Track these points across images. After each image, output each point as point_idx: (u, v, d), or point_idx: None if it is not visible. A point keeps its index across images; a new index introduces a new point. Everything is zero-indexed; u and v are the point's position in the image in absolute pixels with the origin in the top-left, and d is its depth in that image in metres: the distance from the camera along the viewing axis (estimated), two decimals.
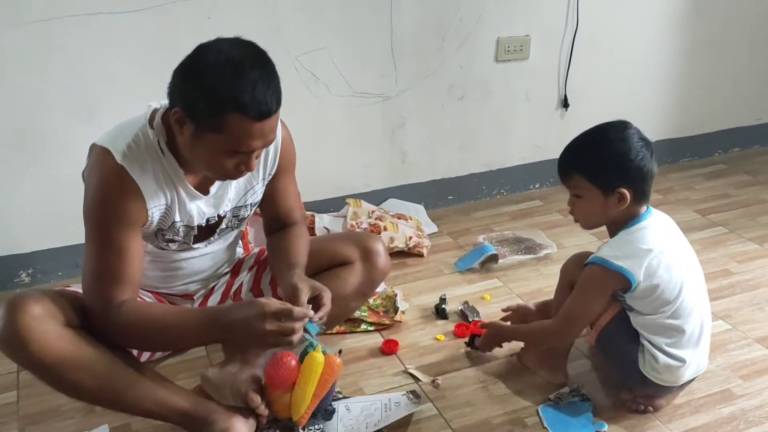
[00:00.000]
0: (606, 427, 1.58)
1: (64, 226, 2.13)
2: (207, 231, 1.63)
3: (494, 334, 1.79)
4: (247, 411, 1.54)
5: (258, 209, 1.73)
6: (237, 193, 1.62)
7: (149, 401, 1.46)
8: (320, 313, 1.47)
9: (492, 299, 2.13)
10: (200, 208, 1.56)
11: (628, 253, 1.52)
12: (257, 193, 1.66)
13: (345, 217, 2.46)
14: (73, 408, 1.69)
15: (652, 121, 3.04)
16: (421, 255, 2.41)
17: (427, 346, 1.92)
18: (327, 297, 1.51)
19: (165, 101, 1.44)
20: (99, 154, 1.43)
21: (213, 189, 1.56)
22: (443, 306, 2.05)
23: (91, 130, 2.11)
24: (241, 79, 1.30)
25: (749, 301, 2.09)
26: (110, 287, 1.43)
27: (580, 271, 1.61)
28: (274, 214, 1.73)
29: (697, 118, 3.14)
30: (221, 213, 1.61)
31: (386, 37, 2.44)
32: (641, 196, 1.55)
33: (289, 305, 1.39)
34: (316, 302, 1.49)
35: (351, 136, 2.55)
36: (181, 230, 1.56)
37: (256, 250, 1.92)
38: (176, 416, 1.49)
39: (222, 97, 1.30)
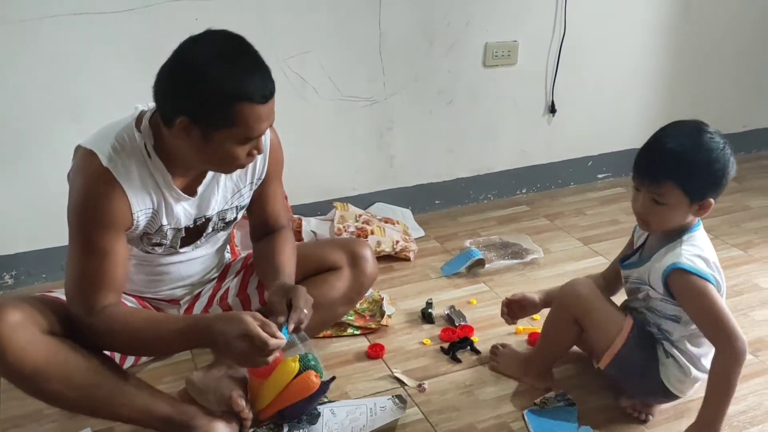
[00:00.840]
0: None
1: (49, 227, 2.11)
2: (194, 234, 1.62)
3: None
4: (231, 415, 1.54)
5: (245, 213, 1.72)
6: (224, 197, 1.61)
7: (131, 409, 1.45)
8: (290, 326, 1.45)
9: (478, 304, 2.13)
10: (186, 210, 1.55)
11: (705, 259, 1.48)
12: (244, 197, 1.66)
13: (332, 220, 2.46)
14: (55, 411, 1.66)
15: (638, 127, 3.06)
16: (407, 259, 2.40)
17: (414, 351, 1.91)
18: (301, 305, 1.48)
19: (152, 103, 1.43)
20: (84, 156, 1.42)
21: (200, 190, 1.55)
22: (430, 310, 2.05)
23: (76, 131, 2.10)
24: (238, 69, 1.32)
25: (734, 307, 2.10)
26: (93, 291, 1.42)
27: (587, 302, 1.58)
28: (261, 218, 1.73)
29: None
30: (207, 215, 1.60)
31: (374, 42, 2.44)
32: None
33: (265, 336, 1.35)
34: (291, 311, 1.48)
35: (339, 139, 2.55)
36: (168, 233, 1.55)
37: (243, 254, 1.92)
38: (158, 422, 1.48)
39: (227, 92, 1.31)
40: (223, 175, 1.58)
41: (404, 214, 2.68)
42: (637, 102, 3.01)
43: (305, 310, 1.47)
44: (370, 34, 2.43)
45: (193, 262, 1.71)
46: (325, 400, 1.69)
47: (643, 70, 2.96)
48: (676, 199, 1.45)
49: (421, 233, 2.61)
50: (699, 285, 1.45)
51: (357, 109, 2.52)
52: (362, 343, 1.94)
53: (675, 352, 1.55)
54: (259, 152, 1.46)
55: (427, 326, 2.02)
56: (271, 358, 1.39)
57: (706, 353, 1.55)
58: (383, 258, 2.35)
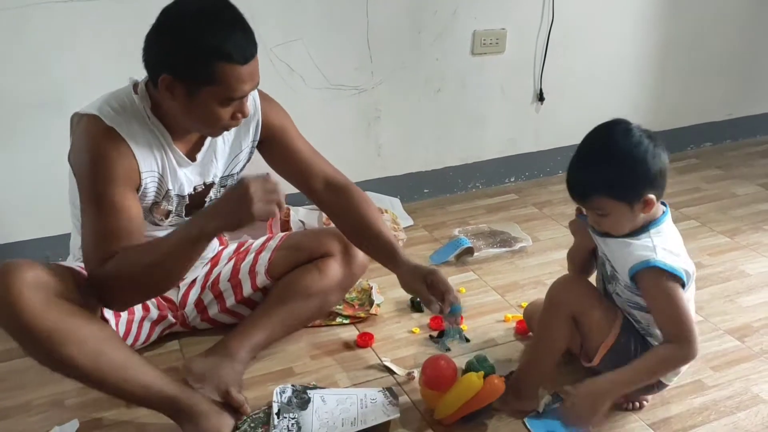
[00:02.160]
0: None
1: (33, 218, 2.09)
2: (197, 201, 1.64)
3: (590, 403, 1.45)
4: (224, 405, 1.53)
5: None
6: (223, 162, 1.64)
7: (137, 384, 1.42)
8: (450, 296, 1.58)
9: (467, 292, 2.13)
10: (188, 176, 1.58)
11: (675, 253, 1.47)
12: (240, 163, 1.69)
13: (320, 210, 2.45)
14: (44, 403, 1.67)
15: (625, 115, 3.02)
16: None
17: (403, 339, 1.91)
18: (450, 286, 1.61)
19: (144, 75, 1.45)
20: (87, 121, 1.43)
21: (199, 156, 1.58)
22: (419, 299, 2.04)
23: (60, 121, 2.09)
24: (218, 28, 1.34)
25: (720, 293, 2.12)
26: (109, 246, 1.40)
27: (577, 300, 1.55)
28: (306, 181, 1.73)
29: (671, 113, 3.17)
30: (208, 181, 1.62)
31: (362, 30, 2.43)
32: (662, 193, 1.49)
33: (270, 179, 1.34)
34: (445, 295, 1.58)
35: (326, 128, 2.53)
36: (174, 199, 1.57)
37: (234, 244, 1.94)
38: (162, 402, 1.45)
39: (206, 50, 1.33)
40: (219, 141, 1.61)
41: (393, 203, 2.67)
42: (625, 90, 3.02)
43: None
44: (358, 22, 2.42)
45: None
46: (315, 385, 1.69)
47: (631, 58, 2.97)
48: (614, 208, 1.45)
49: (410, 222, 2.61)
50: (668, 285, 1.44)
51: (345, 97, 2.51)
52: (351, 332, 1.94)
53: (656, 342, 1.54)
54: (244, 115, 1.46)
55: (416, 315, 2.03)
56: (281, 204, 1.34)
57: None
58: None
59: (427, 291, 1.60)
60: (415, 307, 2.04)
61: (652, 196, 1.45)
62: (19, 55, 2.02)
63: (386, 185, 2.71)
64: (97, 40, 2.09)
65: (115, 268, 1.38)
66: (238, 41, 1.35)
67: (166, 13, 1.38)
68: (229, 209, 1.34)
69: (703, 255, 2.34)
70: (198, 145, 1.58)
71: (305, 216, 2.44)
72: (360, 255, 1.83)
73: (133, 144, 1.44)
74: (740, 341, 1.88)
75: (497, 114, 2.80)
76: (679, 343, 1.44)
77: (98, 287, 1.41)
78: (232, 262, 1.87)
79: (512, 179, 2.95)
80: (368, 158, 2.66)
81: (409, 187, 2.77)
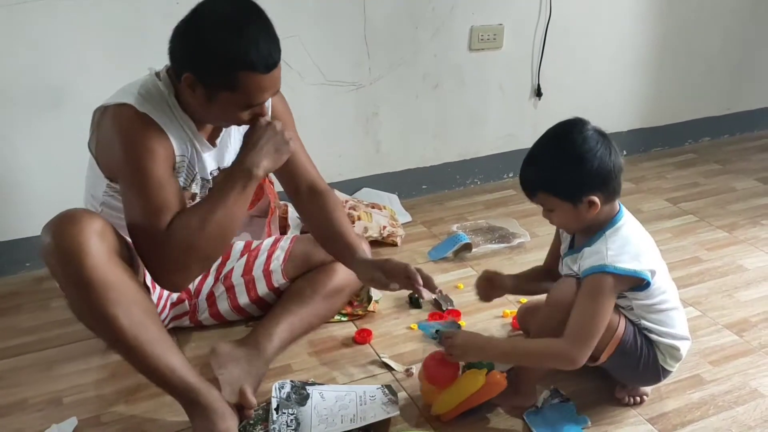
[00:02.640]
0: (588, 421, 1.58)
1: (30, 215, 2.09)
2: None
3: (464, 347, 1.52)
4: (233, 405, 1.52)
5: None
6: (235, 149, 1.65)
7: (164, 363, 1.41)
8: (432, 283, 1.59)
9: (466, 288, 2.13)
10: (209, 161, 1.61)
11: (634, 254, 1.46)
12: None
13: None
14: (41, 401, 1.66)
15: (624, 110, 3.07)
16: (395, 244, 2.40)
17: (401, 336, 1.91)
18: (413, 268, 1.61)
19: (166, 63, 1.47)
20: (117, 110, 1.44)
21: (218, 141, 1.62)
22: (416, 295, 2.04)
23: (57, 117, 2.09)
24: (243, 37, 1.34)
25: (719, 288, 2.12)
26: (159, 216, 1.41)
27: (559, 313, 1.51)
28: (292, 182, 1.76)
29: (669, 108, 3.17)
30: (222, 166, 1.65)
31: (359, 26, 2.42)
32: (612, 195, 1.48)
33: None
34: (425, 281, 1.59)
35: (324, 125, 2.53)
36: (199, 182, 1.61)
37: (241, 243, 1.96)
38: (181, 389, 1.44)
39: (229, 58, 1.34)
40: (234, 128, 1.63)
41: (391, 200, 2.67)
42: (623, 85, 3.01)
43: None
44: (355, 18, 2.41)
45: None
46: (314, 381, 1.69)
47: (629, 53, 2.96)
48: (558, 205, 1.48)
49: (408, 218, 2.60)
50: (600, 290, 1.45)
51: (342, 93, 2.51)
52: (350, 329, 1.93)
53: (659, 336, 1.54)
54: (262, 116, 1.49)
55: (414, 311, 2.02)
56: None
57: (679, 324, 1.56)
58: (370, 243, 2.33)
59: (383, 276, 1.59)
60: (413, 303, 2.04)
61: (595, 199, 1.45)
62: (14, 52, 2.01)
63: (384, 181, 2.71)
64: (94, 37, 2.08)
65: (170, 236, 1.40)
66: (262, 50, 1.35)
67: (196, 11, 1.38)
68: (272, 148, 1.47)
69: (701, 250, 2.34)
70: (216, 131, 1.61)
71: None
72: (367, 248, 1.85)
73: (166, 128, 1.46)
74: (738, 336, 1.88)
75: (495, 110, 2.80)
76: (571, 344, 1.44)
77: (155, 262, 1.44)
78: (244, 258, 1.90)
79: (510, 175, 2.95)
80: (366, 154, 2.66)
81: (407, 183, 2.76)
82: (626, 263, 1.45)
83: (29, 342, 1.89)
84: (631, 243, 1.49)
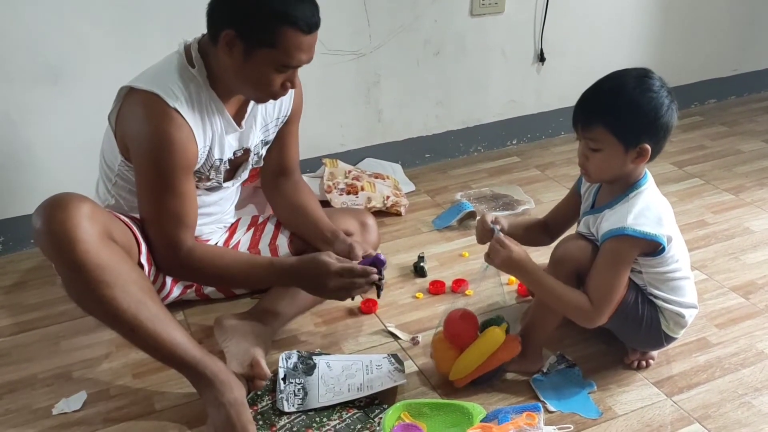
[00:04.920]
0: (595, 386, 1.58)
1: (33, 192, 2.08)
2: (234, 166, 1.71)
3: (509, 252, 1.50)
4: (241, 376, 1.52)
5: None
6: (261, 130, 1.70)
7: (167, 340, 1.42)
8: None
9: (471, 256, 2.13)
10: (230, 142, 1.63)
11: (654, 218, 1.46)
12: (270, 133, 1.76)
13: (321, 177, 2.44)
14: (50, 376, 1.67)
15: None
16: (399, 214, 2.39)
17: (406, 305, 1.91)
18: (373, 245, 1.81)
19: (189, 39, 1.51)
20: (148, 99, 1.45)
21: (244, 123, 1.64)
22: (422, 264, 2.04)
23: (55, 93, 2.08)
24: None
25: (725, 251, 2.11)
26: (176, 230, 1.53)
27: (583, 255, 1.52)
28: (276, 161, 1.83)
29: (674, 70, 3.11)
30: (246, 146, 1.68)
31: None
32: (656, 154, 1.46)
33: (350, 263, 1.58)
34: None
35: (325, 95, 2.51)
36: (216, 164, 1.63)
37: (248, 217, 1.98)
38: (186, 363, 1.45)
39: (275, 11, 1.38)
40: (259, 109, 1.66)
41: (394, 169, 2.65)
42: (627, 49, 2.97)
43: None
44: None
45: (224, 201, 1.81)
46: (320, 351, 1.70)
47: (633, 15, 2.91)
48: (609, 145, 1.44)
49: (412, 187, 2.59)
50: (621, 252, 1.45)
51: (343, 62, 2.48)
52: (355, 299, 1.93)
53: (665, 302, 1.54)
54: (293, 86, 1.52)
55: (419, 280, 2.02)
56: (360, 282, 1.58)
57: (688, 292, 1.56)
58: (374, 213, 2.32)
59: (359, 250, 1.70)
60: (418, 272, 2.04)
61: (647, 147, 1.43)
62: (9, 28, 1.99)
63: (387, 151, 2.69)
64: (91, 11, 2.05)
65: (199, 266, 1.58)
66: (306, 9, 1.41)
67: None
68: (307, 285, 1.62)
69: (707, 213, 2.33)
70: (242, 111, 1.63)
71: (307, 183, 2.43)
72: (374, 234, 1.94)
73: (193, 124, 1.49)
74: (745, 298, 1.87)
75: (498, 76, 2.76)
76: (592, 304, 1.48)
77: (164, 267, 1.59)
78: (251, 232, 1.91)
79: (514, 142, 2.93)
80: (369, 124, 2.64)
81: (410, 153, 2.74)
82: (646, 227, 1.44)
83: (36, 318, 1.90)
84: (651, 208, 1.48)
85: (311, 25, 1.42)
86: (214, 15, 1.45)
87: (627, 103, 1.42)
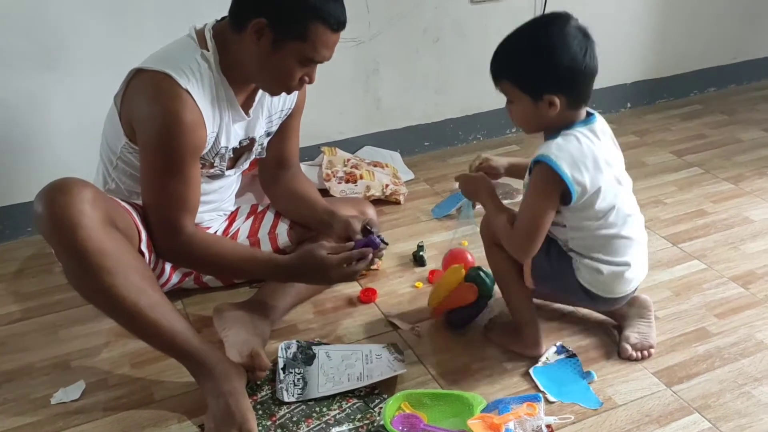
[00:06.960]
0: (595, 376, 1.58)
1: (30, 180, 2.06)
2: (238, 154, 1.71)
3: (474, 184, 1.62)
4: (240, 366, 1.52)
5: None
6: (266, 121, 1.71)
7: (167, 329, 1.41)
8: (375, 228, 1.73)
9: (469, 245, 2.12)
10: (237, 131, 1.63)
11: (573, 161, 1.39)
12: (273, 124, 1.76)
13: (320, 165, 2.43)
14: (48, 365, 1.67)
15: (628, 62, 3.01)
16: (398, 202, 2.39)
17: (406, 294, 1.91)
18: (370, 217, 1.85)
19: (204, 22, 1.51)
20: (158, 79, 1.44)
21: (251, 112, 1.64)
22: (421, 253, 2.04)
23: (53, 79, 2.06)
24: None
25: (724, 240, 2.10)
26: (178, 214, 1.53)
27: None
28: (277, 153, 1.83)
29: (674, 59, 3.11)
30: (251, 136, 1.69)
31: None
32: (576, 99, 1.41)
33: (347, 253, 1.58)
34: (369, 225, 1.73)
35: (324, 82, 2.45)
36: (221, 151, 1.63)
37: (247, 206, 1.98)
38: (186, 353, 1.45)
39: (310, 6, 1.41)
40: (266, 100, 1.66)
41: (393, 157, 2.64)
42: (627, 36, 2.95)
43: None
44: None
45: (224, 189, 1.81)
46: (322, 342, 1.70)
47: (633, 3, 2.90)
48: (518, 98, 1.43)
49: (411, 176, 2.58)
50: (541, 183, 1.42)
51: (342, 50, 2.41)
52: (354, 288, 1.93)
53: (582, 257, 1.49)
54: (310, 81, 1.54)
55: (418, 269, 2.02)
56: (360, 266, 1.60)
57: (613, 250, 1.48)
58: (373, 202, 2.31)
59: (357, 225, 1.73)
60: (418, 261, 2.04)
61: (555, 100, 1.38)
62: (8, 12, 1.97)
63: (386, 139, 2.68)
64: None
65: (199, 254, 1.58)
66: (339, 9, 1.45)
67: None
68: (309, 280, 1.68)
69: (706, 202, 2.32)
70: (250, 100, 1.63)
71: (305, 171, 2.41)
72: (374, 216, 1.93)
73: (204, 108, 1.48)
74: (744, 288, 1.87)
75: None
76: (514, 230, 1.48)
77: (163, 250, 1.59)
78: (250, 220, 1.91)
79: (513, 130, 2.91)
80: (367, 112, 2.62)
81: (409, 141, 2.73)
82: (562, 164, 1.38)
83: (33, 306, 1.89)
84: (577, 150, 1.40)
85: (340, 23, 1.46)
86: (243, 2, 1.45)
87: (522, 54, 1.40)
